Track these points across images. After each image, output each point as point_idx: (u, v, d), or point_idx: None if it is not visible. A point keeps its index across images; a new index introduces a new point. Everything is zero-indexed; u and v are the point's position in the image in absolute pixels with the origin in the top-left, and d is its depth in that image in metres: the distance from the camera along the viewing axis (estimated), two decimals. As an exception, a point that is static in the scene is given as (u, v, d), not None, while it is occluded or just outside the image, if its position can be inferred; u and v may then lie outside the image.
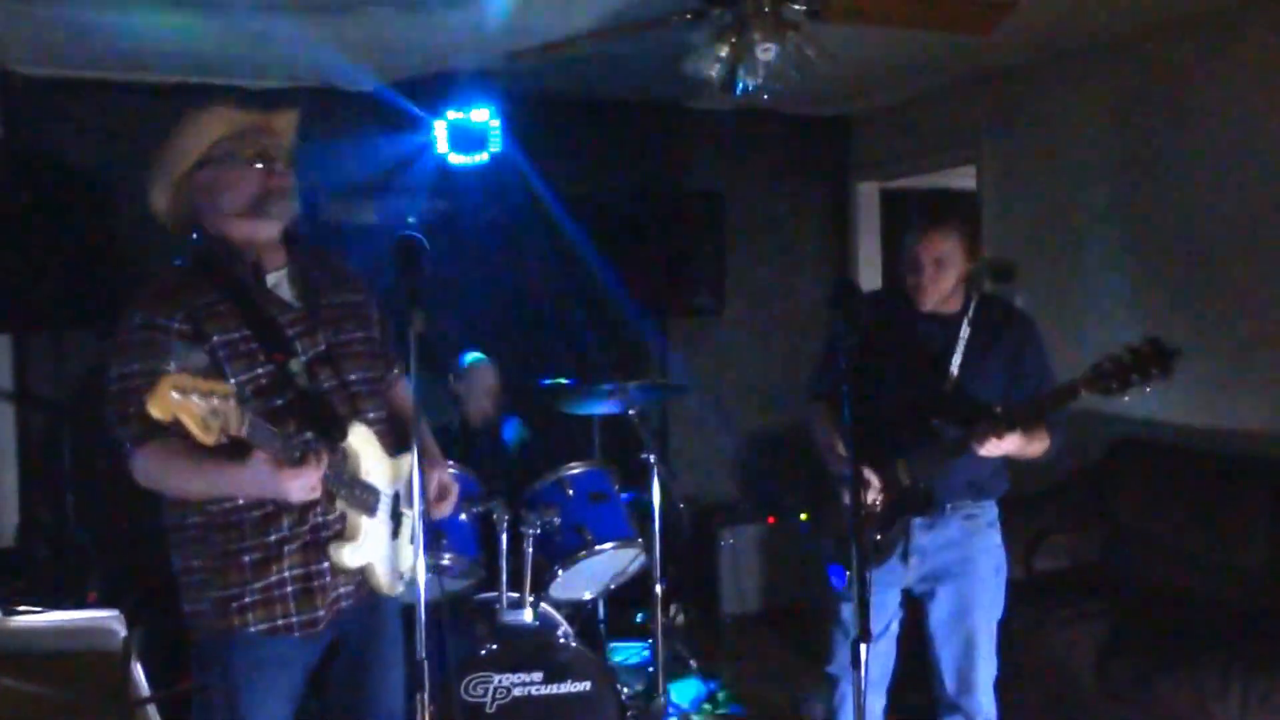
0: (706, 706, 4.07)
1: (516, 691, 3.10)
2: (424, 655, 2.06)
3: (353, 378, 2.23)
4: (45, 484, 4.28)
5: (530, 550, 3.33)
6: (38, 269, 3.75)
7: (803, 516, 4.97)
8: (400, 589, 2.32)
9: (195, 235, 2.18)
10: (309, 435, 2.05)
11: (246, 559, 2.09)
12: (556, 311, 5.09)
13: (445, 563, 3.27)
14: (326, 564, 2.14)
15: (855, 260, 5.95)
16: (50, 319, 3.92)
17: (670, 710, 3.81)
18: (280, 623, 2.11)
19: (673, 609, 4.77)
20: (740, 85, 3.03)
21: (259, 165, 2.13)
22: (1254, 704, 2.95)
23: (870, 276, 5.81)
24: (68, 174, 4.03)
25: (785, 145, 5.81)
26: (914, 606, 2.89)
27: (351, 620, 2.24)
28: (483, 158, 4.74)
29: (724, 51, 2.96)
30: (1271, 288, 3.75)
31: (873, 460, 2.69)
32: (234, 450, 1.92)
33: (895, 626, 2.89)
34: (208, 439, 1.73)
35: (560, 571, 3.45)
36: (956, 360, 2.74)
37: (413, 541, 2.32)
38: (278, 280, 2.20)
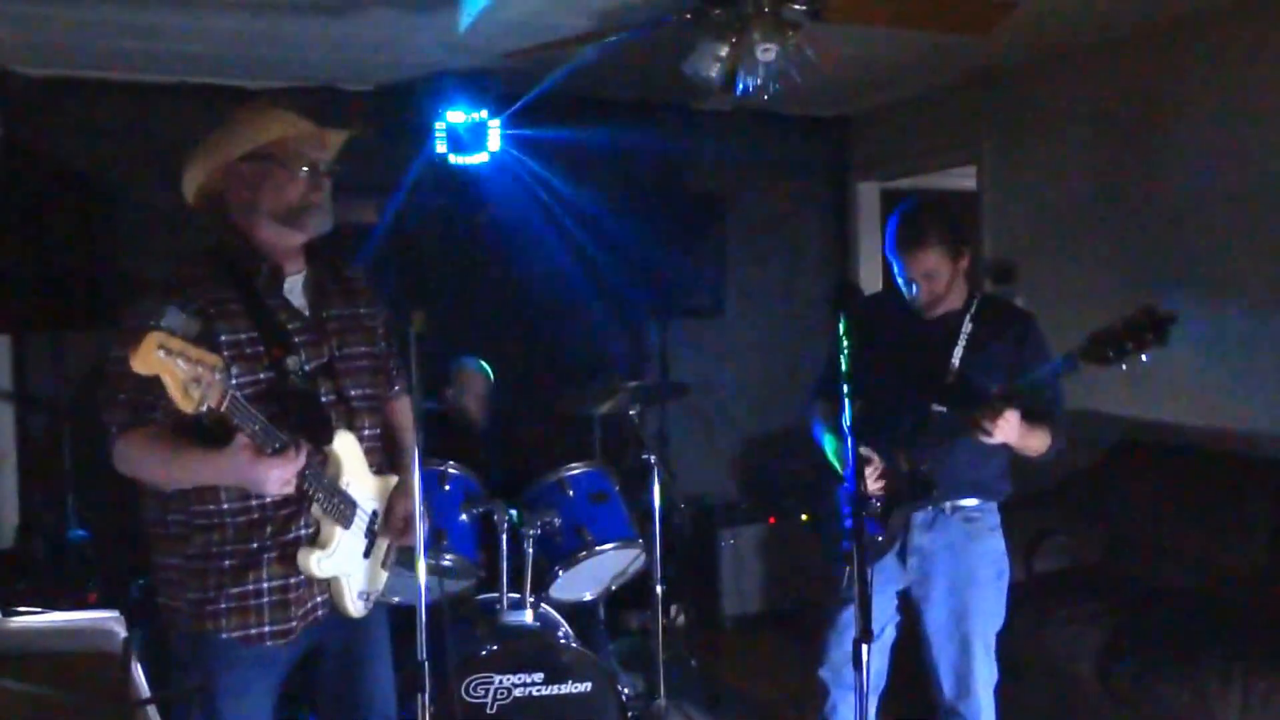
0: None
1: (517, 692, 3.10)
2: (425, 657, 2.06)
3: (352, 393, 2.23)
4: (45, 484, 4.27)
5: (530, 551, 3.33)
6: (37, 269, 3.74)
7: (804, 517, 5.00)
8: (364, 611, 2.26)
9: (213, 225, 2.17)
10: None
11: (226, 563, 2.08)
12: (556, 311, 5.08)
13: (446, 563, 3.26)
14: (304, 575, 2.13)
15: (856, 260, 5.94)
16: (50, 319, 3.91)
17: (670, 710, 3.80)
18: (253, 631, 2.10)
19: (673, 609, 4.76)
20: (740, 85, 3.02)
21: (307, 174, 2.13)
22: (1254, 704, 2.95)
23: (871, 276, 5.79)
24: (68, 174, 4.02)
25: (785, 145, 5.79)
26: (910, 611, 2.87)
27: (327, 628, 2.23)
28: (483, 158, 4.74)
29: (724, 51, 2.96)
30: (1273, 288, 3.75)
31: (873, 448, 2.69)
32: (214, 439, 1.92)
33: (891, 632, 2.88)
34: (186, 406, 1.72)
35: (561, 572, 3.45)
36: (958, 353, 2.75)
37: (384, 566, 2.32)
38: (292, 286, 2.20)
